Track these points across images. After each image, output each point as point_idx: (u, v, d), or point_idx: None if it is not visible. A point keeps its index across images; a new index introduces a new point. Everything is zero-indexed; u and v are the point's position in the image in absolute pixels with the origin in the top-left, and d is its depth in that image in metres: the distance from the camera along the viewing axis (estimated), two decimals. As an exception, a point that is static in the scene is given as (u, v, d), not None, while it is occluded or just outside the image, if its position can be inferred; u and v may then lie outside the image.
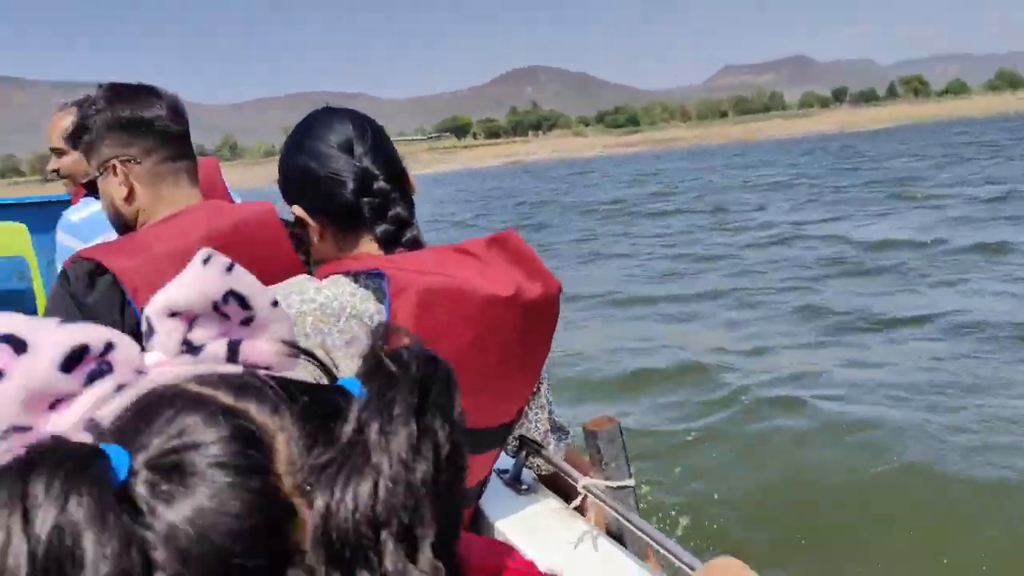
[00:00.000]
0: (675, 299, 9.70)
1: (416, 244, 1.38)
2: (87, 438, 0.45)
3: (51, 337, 0.46)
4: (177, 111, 1.65)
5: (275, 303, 0.55)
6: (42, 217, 3.53)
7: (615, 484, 1.62)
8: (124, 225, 1.66)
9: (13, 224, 3.51)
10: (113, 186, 1.62)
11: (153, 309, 0.52)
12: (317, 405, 0.47)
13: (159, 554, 0.40)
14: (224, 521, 0.41)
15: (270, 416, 0.45)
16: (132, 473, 0.42)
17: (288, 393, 0.47)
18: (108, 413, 0.47)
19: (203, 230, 1.56)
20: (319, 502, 0.43)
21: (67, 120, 2.49)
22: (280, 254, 1.65)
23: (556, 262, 13.48)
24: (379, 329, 0.50)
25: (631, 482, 1.65)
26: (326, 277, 1.34)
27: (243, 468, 0.43)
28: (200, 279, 0.52)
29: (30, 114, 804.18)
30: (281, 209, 1.62)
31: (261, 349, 0.53)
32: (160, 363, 0.51)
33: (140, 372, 0.50)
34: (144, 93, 1.63)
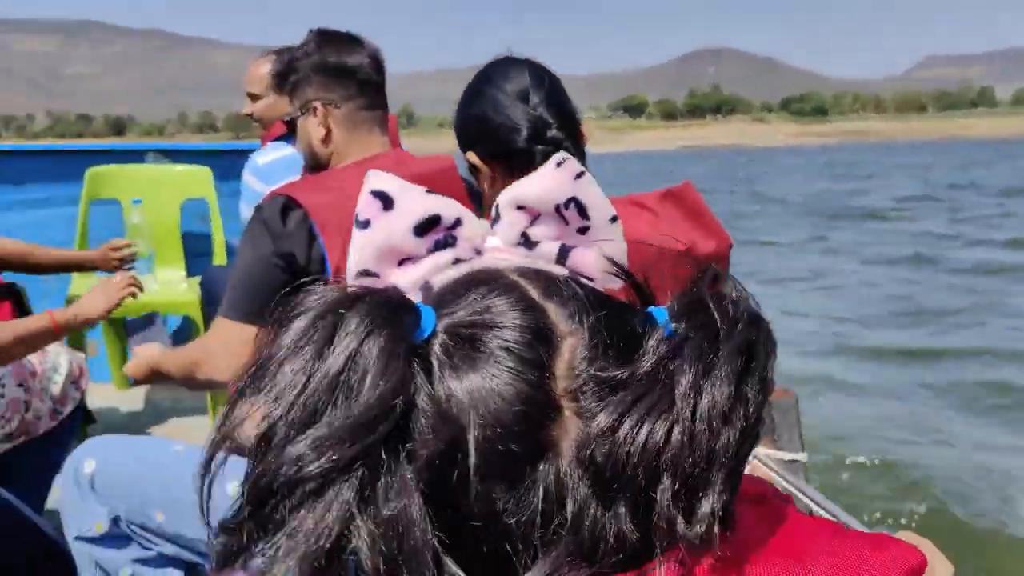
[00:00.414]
0: (935, 358, 6.10)
1: None
2: (418, 297, 0.51)
3: (414, 203, 0.54)
4: (378, 62, 1.72)
5: (614, 219, 0.58)
6: (226, 164, 3.68)
7: (787, 456, 1.58)
8: (317, 164, 1.75)
9: (200, 168, 3.68)
10: (312, 126, 1.70)
11: (504, 199, 0.57)
12: (616, 322, 0.48)
13: (428, 409, 0.44)
14: (495, 400, 0.44)
15: (566, 320, 0.47)
16: (434, 334, 0.46)
17: (593, 305, 0.49)
18: (440, 280, 0.52)
19: None
20: (601, 419, 0.44)
21: (264, 67, 2.81)
22: None
23: (740, 270, 11.18)
24: (705, 269, 0.50)
25: (803, 456, 1.60)
26: None
27: (526, 359, 0.45)
28: (549, 180, 0.56)
29: (227, 75, 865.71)
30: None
31: (588, 260, 0.57)
32: (497, 248, 0.57)
33: (478, 252, 0.56)
34: (350, 41, 1.71)
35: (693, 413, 0.43)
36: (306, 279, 0.49)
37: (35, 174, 3.80)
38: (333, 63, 1.67)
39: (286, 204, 1.53)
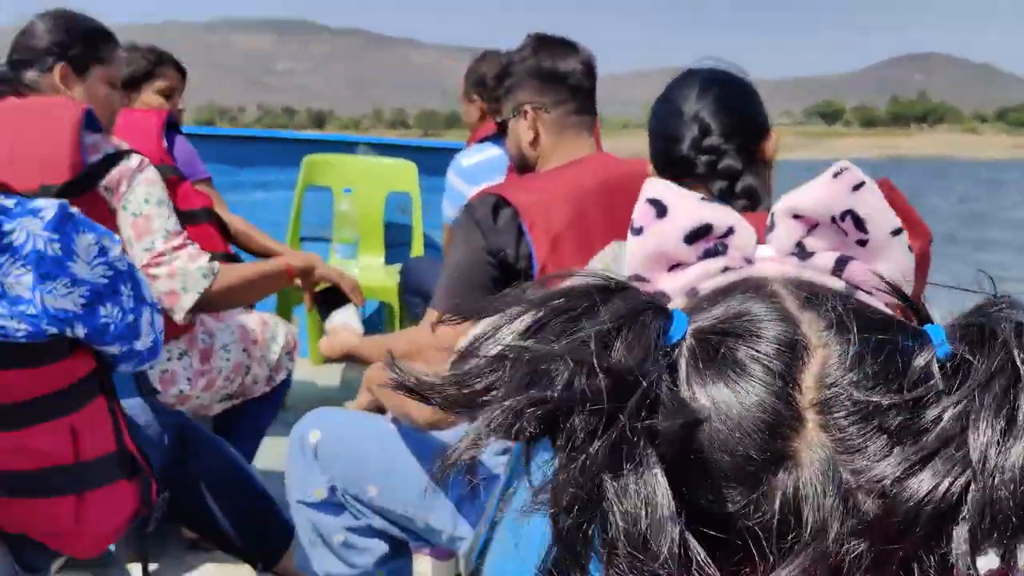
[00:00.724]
0: None
1: (750, 195, 1.33)
2: (683, 302, 0.53)
3: (687, 211, 0.55)
4: (591, 68, 1.80)
5: (896, 231, 0.55)
6: (429, 160, 3.85)
7: None
8: (524, 166, 1.84)
9: (406, 162, 3.86)
10: (522, 129, 1.78)
11: (779, 207, 0.56)
12: (880, 340, 0.46)
13: (671, 405, 0.44)
14: (736, 407, 0.44)
15: (820, 332, 0.46)
16: (683, 338, 0.46)
17: (856, 320, 0.46)
18: (707, 287, 0.53)
19: (595, 178, 1.67)
20: (883, 467, 0.42)
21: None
22: None
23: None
24: (1002, 295, 0.47)
25: None
26: None
27: (773, 370, 0.44)
28: (825, 190, 0.55)
29: (421, 74, 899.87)
30: None
31: (864, 273, 0.55)
32: (768, 258, 0.56)
33: (748, 261, 0.56)
34: (565, 47, 1.79)
35: (993, 472, 0.41)
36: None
37: (254, 159, 4.07)
38: (547, 68, 1.75)
39: (497, 202, 1.61)
